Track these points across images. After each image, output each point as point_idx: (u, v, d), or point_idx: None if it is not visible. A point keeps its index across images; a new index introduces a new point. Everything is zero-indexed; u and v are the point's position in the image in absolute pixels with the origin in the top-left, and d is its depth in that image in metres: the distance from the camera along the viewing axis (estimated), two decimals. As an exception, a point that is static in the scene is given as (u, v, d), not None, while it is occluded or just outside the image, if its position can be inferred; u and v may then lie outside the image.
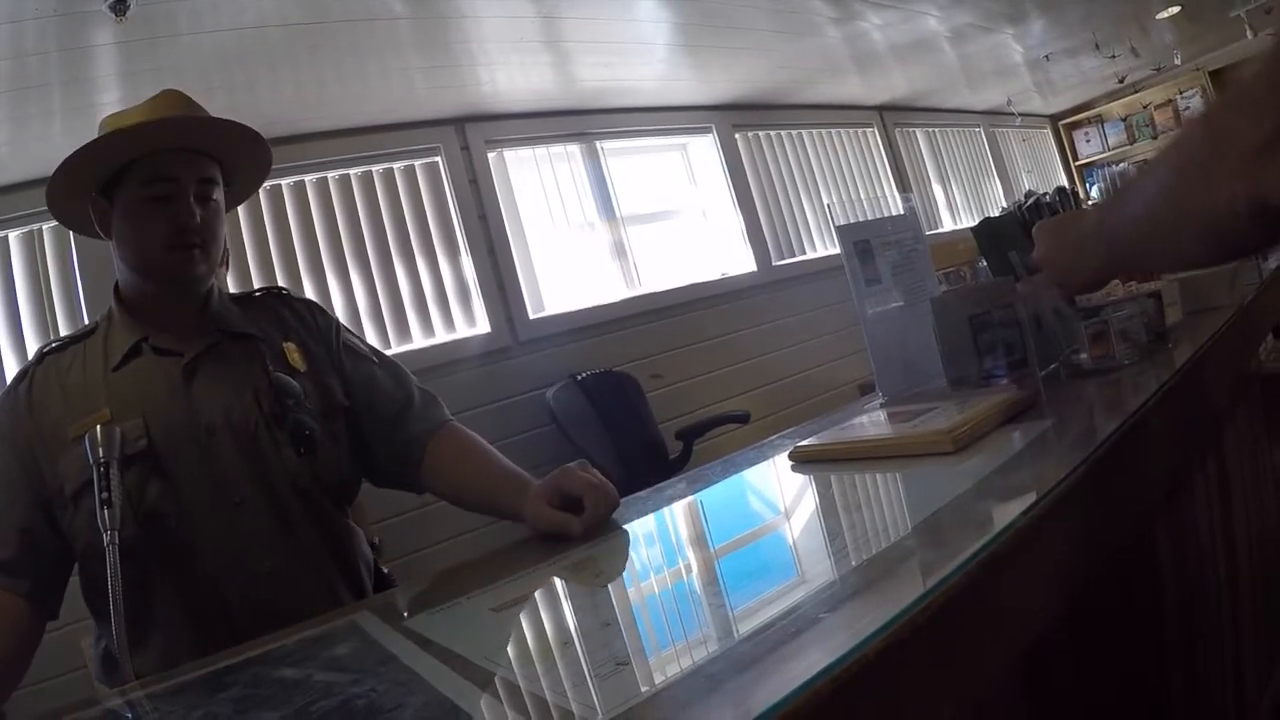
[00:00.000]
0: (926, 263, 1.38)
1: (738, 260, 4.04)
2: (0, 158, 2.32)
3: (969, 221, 5.11)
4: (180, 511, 1.05)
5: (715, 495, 1.04)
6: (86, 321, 1.51)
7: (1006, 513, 0.64)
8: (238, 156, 1.20)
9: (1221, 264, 1.41)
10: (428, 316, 3.13)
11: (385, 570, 1.32)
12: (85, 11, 1.83)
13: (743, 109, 4.18)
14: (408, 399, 1.26)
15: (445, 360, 3.05)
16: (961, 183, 5.51)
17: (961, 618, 0.52)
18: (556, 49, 3.00)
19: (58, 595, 1.08)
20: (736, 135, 4.16)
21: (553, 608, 0.75)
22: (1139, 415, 0.86)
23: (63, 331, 2.45)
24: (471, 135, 3.31)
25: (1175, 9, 4.33)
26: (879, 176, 4.86)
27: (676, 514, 0.98)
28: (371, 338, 2.93)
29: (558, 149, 3.60)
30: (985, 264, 1.57)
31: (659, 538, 0.92)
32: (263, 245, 2.85)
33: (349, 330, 1.32)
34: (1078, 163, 6.64)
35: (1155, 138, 6.09)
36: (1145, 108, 6.22)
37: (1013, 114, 5.72)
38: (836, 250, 1.30)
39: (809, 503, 0.93)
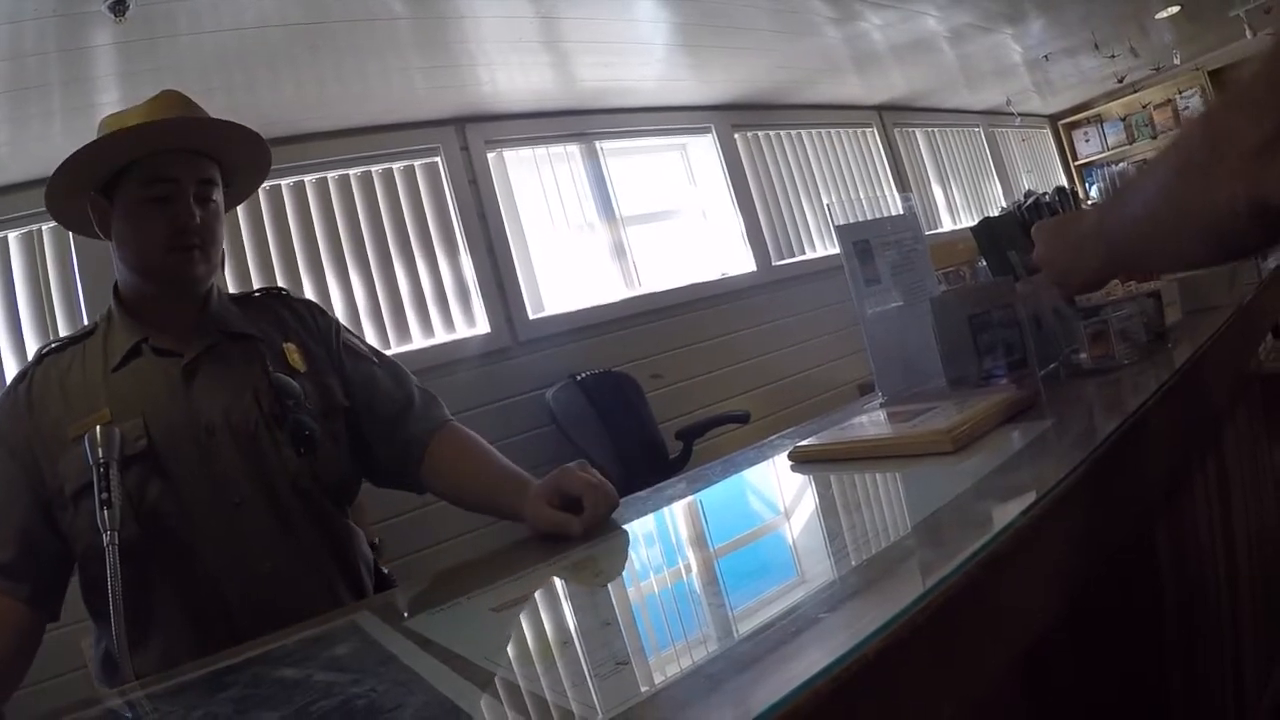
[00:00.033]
0: (926, 263, 1.38)
1: (737, 260, 4.04)
2: (0, 158, 2.32)
3: (968, 221, 5.11)
4: (180, 512, 1.05)
5: (715, 495, 1.04)
6: (86, 322, 1.51)
7: (1006, 512, 0.64)
8: (237, 157, 1.20)
9: (1221, 264, 1.41)
10: (427, 317, 3.13)
11: (385, 570, 1.31)
12: (85, 12, 1.83)
13: (742, 109, 4.18)
14: (408, 399, 1.26)
15: (445, 360, 3.05)
16: (961, 183, 5.51)
17: (961, 617, 0.52)
18: (556, 49, 3.00)
19: (58, 597, 1.08)
20: (736, 135, 4.16)
21: (553, 608, 0.75)
22: (1139, 415, 0.86)
23: (62, 332, 2.45)
24: (471, 135, 3.31)
25: (1174, 9, 4.33)
26: (878, 176, 4.86)
27: (676, 514, 0.98)
28: (371, 338, 2.93)
29: (557, 149, 3.60)
30: (985, 264, 1.56)
31: (659, 538, 0.92)
32: (262, 245, 2.85)
33: (349, 330, 1.32)
34: (1077, 162, 6.64)
35: (1155, 137, 6.09)
36: (1144, 107, 6.22)
37: (1012, 114, 5.72)
38: (836, 250, 1.30)
39: (809, 503, 0.94)
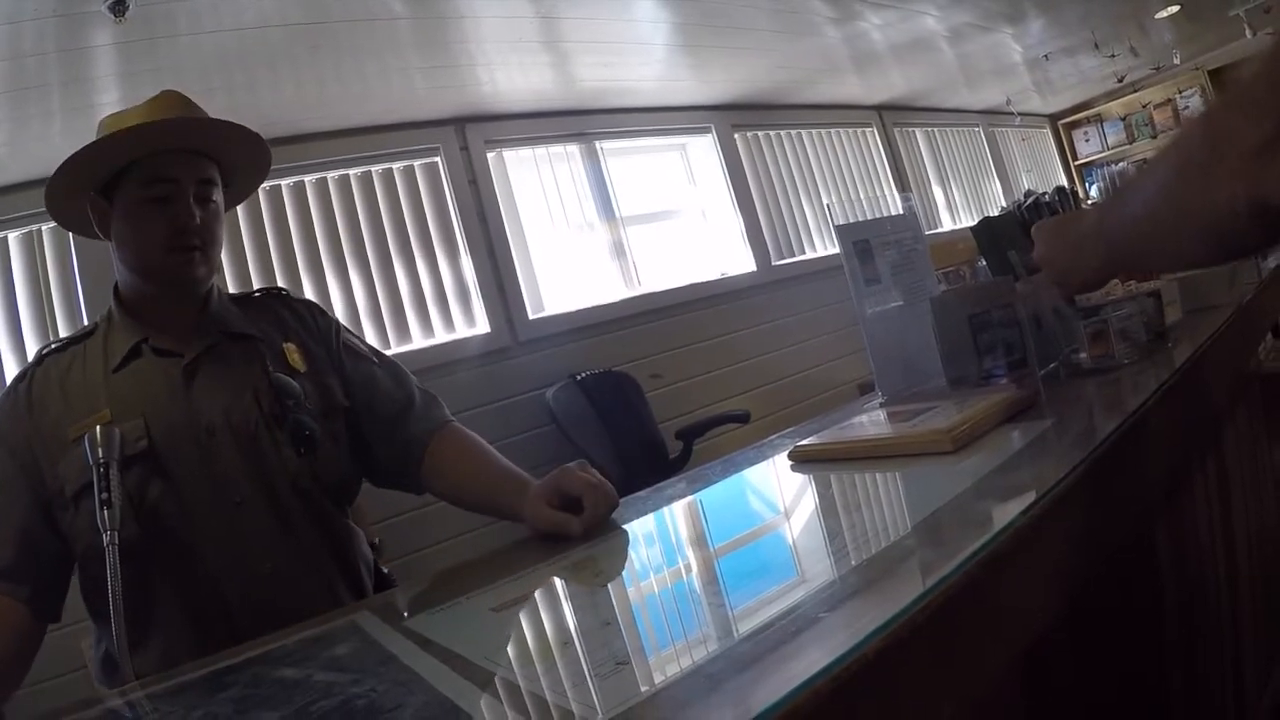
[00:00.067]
0: (926, 262, 1.38)
1: (737, 260, 4.04)
2: (0, 158, 2.32)
3: (968, 221, 5.11)
4: (180, 512, 1.05)
5: (715, 495, 1.04)
6: (86, 323, 1.51)
7: (1006, 512, 0.64)
8: (237, 157, 1.20)
9: (1221, 264, 1.41)
10: (427, 317, 3.13)
11: (385, 570, 1.31)
12: (84, 12, 1.83)
13: (742, 109, 4.18)
14: (408, 399, 1.26)
15: (445, 360, 3.05)
16: (961, 182, 5.51)
17: (961, 617, 0.52)
18: (556, 49, 3.00)
19: (58, 599, 1.08)
20: (736, 135, 4.16)
21: (553, 607, 0.75)
22: (1138, 415, 0.86)
23: (62, 332, 2.45)
24: (471, 135, 3.31)
25: (1174, 8, 4.33)
26: (878, 176, 4.86)
27: (676, 514, 0.98)
28: (371, 338, 2.93)
29: (557, 149, 3.60)
30: (985, 264, 1.57)
31: (659, 537, 0.92)
32: (262, 245, 2.85)
33: (349, 330, 1.32)
34: (1077, 162, 6.64)
35: (1154, 137, 6.09)
36: (1144, 107, 6.22)
37: (1012, 113, 5.72)
38: (836, 250, 1.30)
39: (809, 502, 0.94)
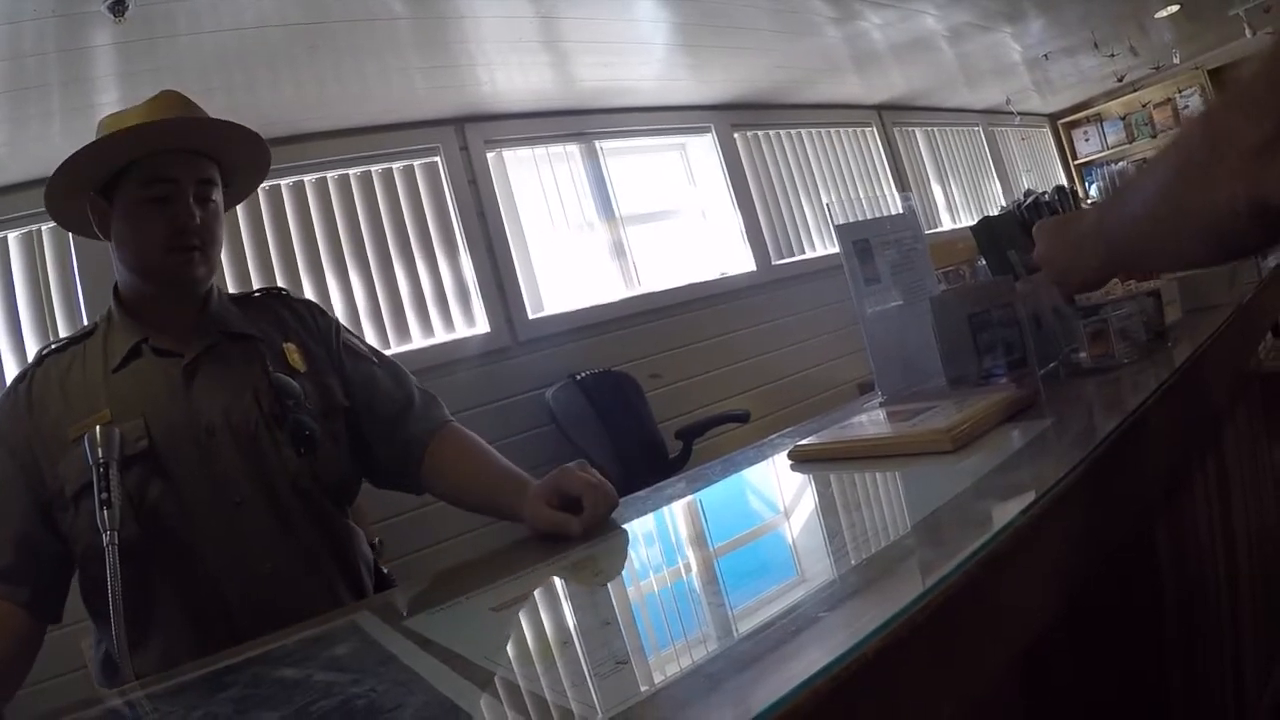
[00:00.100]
0: (925, 262, 1.38)
1: (737, 260, 4.04)
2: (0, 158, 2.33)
3: (968, 220, 5.11)
4: (180, 512, 1.05)
5: (715, 495, 1.04)
6: (86, 323, 1.51)
7: (1006, 511, 0.64)
8: (236, 157, 1.20)
9: (1221, 264, 1.41)
10: (427, 317, 3.13)
11: (385, 570, 1.31)
12: (84, 12, 1.83)
13: (741, 109, 4.18)
14: (408, 399, 1.26)
15: (445, 360, 3.05)
16: (960, 182, 5.51)
17: (961, 617, 0.52)
18: (555, 49, 3.00)
19: (59, 601, 1.08)
20: (735, 135, 4.16)
21: (552, 607, 0.75)
22: (1138, 414, 0.86)
23: (62, 332, 2.45)
24: (471, 135, 3.31)
25: (1174, 8, 4.33)
26: (878, 176, 4.86)
27: (676, 513, 0.98)
28: (371, 338, 2.93)
29: (557, 149, 3.60)
30: (984, 263, 1.57)
31: (658, 537, 0.92)
32: (262, 246, 2.85)
33: (349, 330, 1.32)
34: (1077, 162, 6.65)
35: (1154, 136, 6.09)
36: (1144, 106, 6.22)
37: (1012, 113, 5.72)
38: (835, 250, 1.30)
39: (808, 502, 0.94)
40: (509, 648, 0.66)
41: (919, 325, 1.25)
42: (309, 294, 2.81)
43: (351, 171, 3.06)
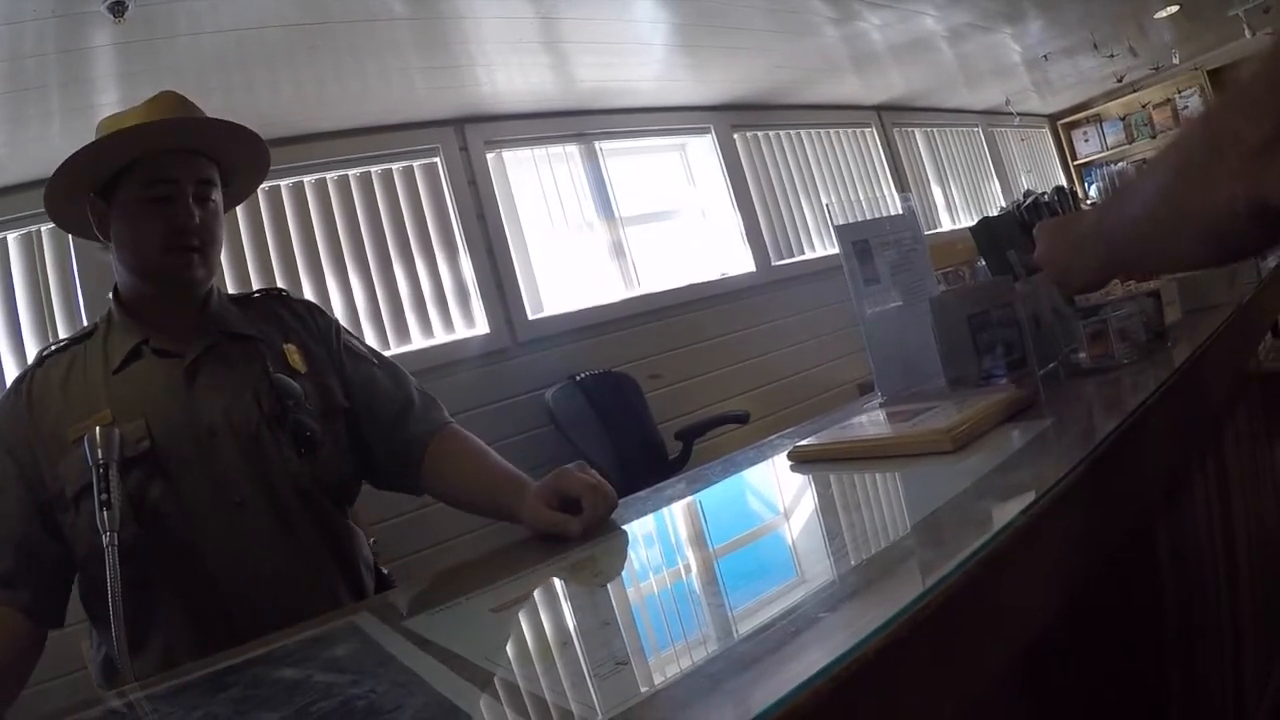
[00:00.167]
0: (925, 262, 1.38)
1: (737, 260, 4.04)
2: (-1, 159, 2.33)
3: (968, 221, 5.11)
4: (181, 512, 1.05)
5: (715, 495, 1.04)
6: (85, 324, 1.51)
7: (1006, 511, 0.64)
8: (236, 157, 1.20)
9: (1221, 265, 1.40)
10: (427, 317, 3.13)
11: (385, 571, 1.31)
12: (84, 13, 1.83)
13: (741, 109, 4.18)
14: (407, 400, 1.26)
15: (444, 361, 3.05)
16: (960, 182, 5.51)
17: (961, 616, 0.52)
18: (555, 49, 3.00)
19: (59, 605, 1.08)
20: (735, 135, 4.16)
21: (552, 608, 0.75)
22: (1138, 414, 0.86)
23: (61, 334, 2.45)
24: (470, 136, 3.31)
25: (1173, 8, 4.33)
26: (877, 176, 4.86)
27: (676, 514, 0.98)
28: (371, 339, 2.93)
29: (556, 149, 3.60)
30: (984, 264, 1.57)
31: (658, 538, 0.92)
32: (262, 246, 2.85)
33: (348, 331, 1.32)
34: (1076, 162, 6.65)
35: (1154, 137, 6.10)
36: (1144, 107, 6.23)
37: (1011, 114, 5.72)
38: (835, 250, 1.30)
39: (808, 502, 0.93)
40: (509, 648, 0.66)
41: (919, 326, 1.25)
42: (309, 294, 2.82)
43: (351, 172, 3.06)
